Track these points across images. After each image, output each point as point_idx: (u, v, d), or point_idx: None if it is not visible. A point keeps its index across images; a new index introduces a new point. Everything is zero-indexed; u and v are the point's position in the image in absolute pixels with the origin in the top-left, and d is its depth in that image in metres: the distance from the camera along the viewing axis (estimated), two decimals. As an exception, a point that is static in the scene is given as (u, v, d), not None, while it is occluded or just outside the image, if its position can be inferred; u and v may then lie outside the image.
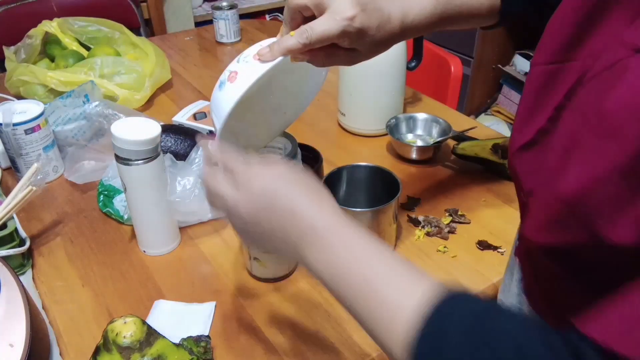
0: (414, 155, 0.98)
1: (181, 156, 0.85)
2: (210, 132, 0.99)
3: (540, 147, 0.43)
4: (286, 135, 0.69)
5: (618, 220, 0.33)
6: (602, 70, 0.35)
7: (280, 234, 0.46)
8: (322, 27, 0.54)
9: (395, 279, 0.42)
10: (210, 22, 1.60)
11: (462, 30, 0.74)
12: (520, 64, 2.34)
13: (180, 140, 0.91)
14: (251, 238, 0.50)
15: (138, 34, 1.44)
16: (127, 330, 0.56)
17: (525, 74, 2.24)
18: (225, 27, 1.52)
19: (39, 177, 0.78)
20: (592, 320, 0.33)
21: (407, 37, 0.63)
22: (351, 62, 0.61)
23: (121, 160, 0.70)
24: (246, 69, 0.54)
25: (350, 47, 0.58)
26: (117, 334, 0.55)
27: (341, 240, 0.44)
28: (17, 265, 0.75)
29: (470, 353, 0.35)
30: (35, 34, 1.24)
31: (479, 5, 0.66)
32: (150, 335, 0.57)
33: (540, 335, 0.35)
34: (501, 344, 0.34)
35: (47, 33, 1.27)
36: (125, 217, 0.84)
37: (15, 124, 0.87)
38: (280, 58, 0.54)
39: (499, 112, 2.44)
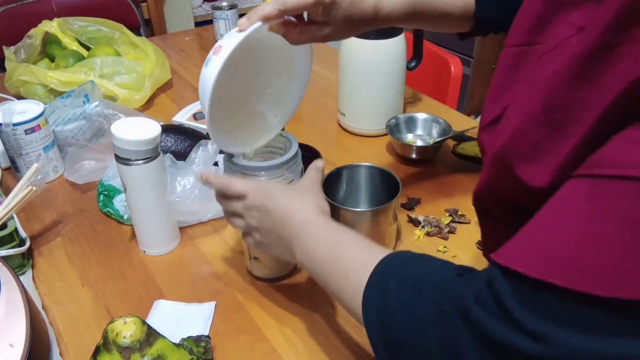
0: (414, 155, 0.98)
1: (181, 156, 0.85)
2: (210, 132, 0.99)
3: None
4: (286, 135, 0.69)
5: (536, 166, 0.40)
6: (551, 48, 0.41)
7: (282, 231, 0.58)
8: None
9: (354, 252, 0.51)
10: (210, 22, 1.60)
11: (439, 32, 0.75)
12: (520, 64, 2.33)
13: (180, 140, 0.91)
14: (265, 247, 0.62)
15: (138, 34, 1.44)
16: (127, 330, 0.56)
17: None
18: (225, 27, 1.52)
19: (39, 177, 0.78)
20: (501, 250, 0.38)
21: (381, 24, 0.66)
22: (324, 39, 0.64)
23: (121, 160, 0.70)
24: (228, 41, 0.57)
25: (324, 20, 0.62)
26: (117, 334, 0.55)
27: (317, 230, 0.55)
28: (17, 265, 0.75)
29: (403, 293, 0.43)
30: (35, 34, 1.24)
31: (452, 4, 0.69)
32: (150, 335, 0.57)
33: (458, 271, 0.42)
34: (426, 282, 0.43)
35: (47, 33, 1.27)
36: (125, 217, 0.84)
37: (15, 124, 0.87)
38: (257, 24, 0.58)
39: (499, 112, 2.43)
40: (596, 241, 0.33)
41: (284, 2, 0.58)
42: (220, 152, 0.84)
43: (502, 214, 0.49)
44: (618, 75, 0.34)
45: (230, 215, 0.64)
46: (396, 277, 0.45)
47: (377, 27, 0.67)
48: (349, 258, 0.51)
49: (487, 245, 0.56)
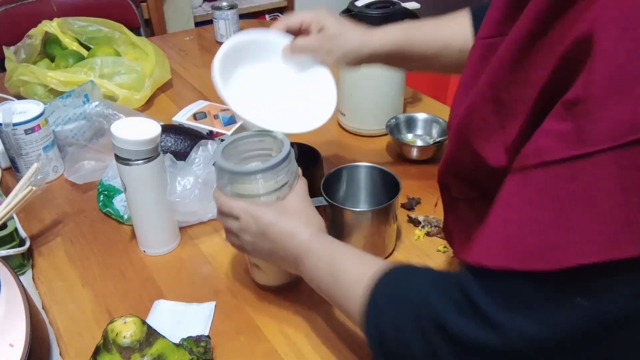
0: (414, 155, 0.98)
1: (181, 156, 0.85)
2: (210, 132, 0.99)
3: None
4: (277, 136, 0.66)
5: (491, 144, 0.44)
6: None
7: (283, 253, 0.60)
8: (303, 41, 0.74)
9: (349, 269, 0.54)
10: (210, 22, 1.60)
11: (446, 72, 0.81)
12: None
13: (180, 140, 0.91)
14: (263, 258, 0.65)
15: (138, 34, 1.44)
16: (127, 330, 0.56)
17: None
18: (225, 27, 1.52)
19: (39, 177, 0.78)
20: (469, 248, 0.41)
21: (369, 61, 0.76)
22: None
23: (121, 160, 0.70)
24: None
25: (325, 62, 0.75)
26: (117, 334, 0.55)
27: (315, 250, 0.57)
28: (17, 265, 0.75)
29: (392, 313, 0.46)
30: (35, 34, 1.24)
31: (450, 35, 0.73)
32: (150, 335, 0.57)
33: (438, 282, 0.44)
34: (410, 300, 0.45)
35: (47, 33, 1.27)
36: (125, 217, 0.84)
37: (15, 124, 0.87)
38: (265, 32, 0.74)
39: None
40: (534, 222, 0.37)
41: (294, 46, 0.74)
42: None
43: (461, 191, 0.54)
44: (551, 52, 0.38)
45: (226, 231, 0.66)
46: (385, 296, 0.48)
47: (369, 64, 0.77)
48: (346, 276, 0.53)
49: (447, 229, 0.60)
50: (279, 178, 0.62)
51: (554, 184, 0.36)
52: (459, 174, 0.53)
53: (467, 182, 0.52)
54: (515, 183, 0.39)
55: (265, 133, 0.67)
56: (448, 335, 0.40)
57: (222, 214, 0.64)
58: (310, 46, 0.74)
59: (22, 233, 0.79)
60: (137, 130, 0.69)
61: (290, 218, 0.60)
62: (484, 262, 0.39)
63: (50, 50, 1.29)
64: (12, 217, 0.76)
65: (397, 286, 0.48)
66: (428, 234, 0.81)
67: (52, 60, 1.26)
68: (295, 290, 0.72)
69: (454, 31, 0.73)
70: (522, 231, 0.37)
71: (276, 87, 0.75)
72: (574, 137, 0.35)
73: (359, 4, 0.97)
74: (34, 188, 0.76)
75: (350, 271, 0.53)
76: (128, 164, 0.70)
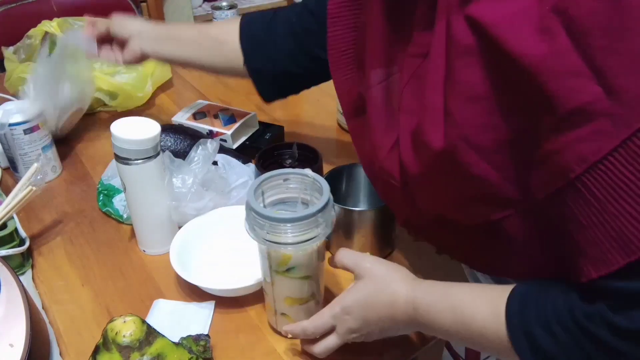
0: (413, 155, 0.98)
1: (181, 155, 0.85)
2: (210, 132, 0.99)
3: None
4: (313, 177, 0.61)
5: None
6: (408, 79, 0.53)
7: (394, 324, 0.56)
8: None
9: (475, 309, 0.50)
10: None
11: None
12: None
13: (180, 140, 0.91)
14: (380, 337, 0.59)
15: (138, 33, 1.43)
16: (126, 329, 0.56)
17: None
18: (225, 27, 1.52)
19: (38, 177, 0.78)
20: (579, 270, 0.41)
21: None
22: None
23: (121, 159, 0.70)
24: None
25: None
26: (116, 333, 0.56)
27: (426, 304, 0.53)
28: (17, 265, 0.75)
29: (549, 335, 0.43)
30: (35, 34, 1.24)
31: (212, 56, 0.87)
32: (150, 334, 0.57)
33: (576, 295, 0.43)
34: (560, 317, 0.43)
35: (46, 33, 1.27)
36: (125, 216, 0.84)
37: (14, 124, 0.87)
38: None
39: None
40: (627, 215, 0.37)
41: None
42: (220, 150, 0.84)
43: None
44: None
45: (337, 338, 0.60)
46: (535, 320, 0.45)
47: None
48: (476, 318, 0.49)
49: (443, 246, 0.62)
50: (315, 229, 0.57)
51: (619, 176, 0.36)
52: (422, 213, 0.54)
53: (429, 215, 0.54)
54: (580, 194, 0.39)
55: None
56: (611, 328, 0.40)
57: (317, 334, 0.59)
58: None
59: (22, 233, 0.79)
60: (137, 129, 0.69)
61: (373, 287, 0.56)
62: (605, 272, 0.39)
63: (49, 50, 1.28)
64: (12, 217, 0.77)
65: (537, 306, 0.45)
66: (428, 233, 0.81)
67: (52, 60, 1.26)
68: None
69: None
70: (626, 225, 0.37)
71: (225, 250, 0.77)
72: (608, 127, 0.36)
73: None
74: (34, 188, 0.76)
75: (478, 312, 0.49)
76: (128, 164, 0.70)
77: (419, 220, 0.59)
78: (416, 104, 0.51)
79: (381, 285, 0.56)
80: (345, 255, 0.61)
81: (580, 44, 0.36)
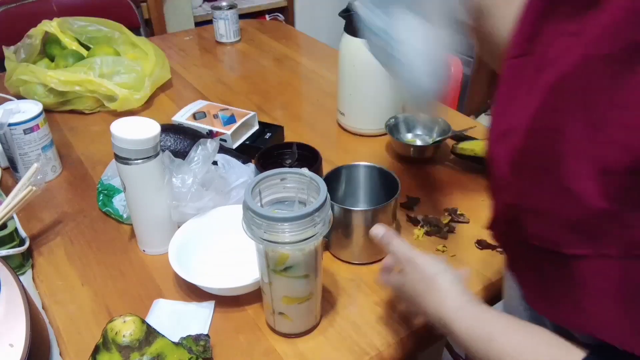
0: (413, 155, 0.98)
1: (181, 155, 0.85)
2: (210, 131, 0.99)
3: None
4: (309, 176, 0.60)
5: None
6: (554, 58, 0.43)
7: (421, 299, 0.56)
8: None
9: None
10: (210, 22, 1.60)
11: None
12: (520, 64, 2.33)
13: (180, 140, 0.91)
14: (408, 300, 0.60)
15: (138, 34, 1.44)
16: (126, 329, 0.56)
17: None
18: (225, 27, 1.52)
19: (38, 177, 0.78)
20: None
21: None
22: None
23: (120, 159, 0.70)
24: None
25: None
26: (116, 333, 0.56)
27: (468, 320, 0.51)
28: (17, 265, 0.75)
29: None
30: (35, 34, 1.24)
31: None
32: (150, 334, 0.57)
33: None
34: None
35: (47, 33, 1.27)
36: (125, 216, 0.84)
37: (14, 124, 0.88)
38: None
39: (498, 111, 2.43)
40: None
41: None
42: (220, 150, 0.84)
43: (523, 252, 0.46)
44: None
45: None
46: None
47: None
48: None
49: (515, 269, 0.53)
50: (313, 227, 0.57)
51: None
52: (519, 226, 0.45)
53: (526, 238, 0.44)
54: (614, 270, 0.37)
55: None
56: None
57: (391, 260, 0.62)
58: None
59: (22, 233, 0.79)
60: (137, 129, 0.69)
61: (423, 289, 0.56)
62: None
63: (50, 50, 1.29)
64: (12, 217, 0.77)
65: None
66: (427, 233, 0.81)
67: (52, 60, 1.26)
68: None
69: None
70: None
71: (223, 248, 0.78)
72: None
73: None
74: (34, 188, 0.76)
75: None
76: (127, 163, 0.70)
77: (499, 217, 0.51)
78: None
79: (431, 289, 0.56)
80: (399, 248, 0.60)
81: None
